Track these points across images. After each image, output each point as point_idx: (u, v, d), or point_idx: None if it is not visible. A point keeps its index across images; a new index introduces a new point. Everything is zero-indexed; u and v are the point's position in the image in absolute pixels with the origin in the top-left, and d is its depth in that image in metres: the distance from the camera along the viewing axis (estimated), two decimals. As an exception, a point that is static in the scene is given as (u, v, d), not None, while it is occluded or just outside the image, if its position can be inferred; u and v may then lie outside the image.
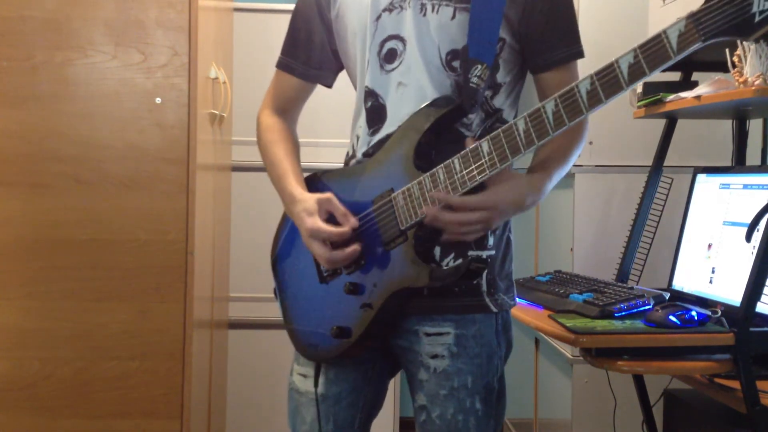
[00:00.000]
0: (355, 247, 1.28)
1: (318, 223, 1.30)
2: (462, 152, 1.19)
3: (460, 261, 1.27)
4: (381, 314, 1.28)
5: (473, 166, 1.18)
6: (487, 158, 1.17)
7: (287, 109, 1.52)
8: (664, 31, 1.02)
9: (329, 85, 1.52)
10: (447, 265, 1.29)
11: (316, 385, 1.38)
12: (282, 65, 1.50)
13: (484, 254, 1.32)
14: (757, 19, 0.96)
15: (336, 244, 1.31)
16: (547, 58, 1.32)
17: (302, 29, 1.47)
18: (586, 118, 1.32)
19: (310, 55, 1.47)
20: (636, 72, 1.05)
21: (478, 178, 1.18)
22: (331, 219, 1.31)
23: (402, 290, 1.26)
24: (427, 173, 1.23)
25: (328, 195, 1.32)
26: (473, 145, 1.19)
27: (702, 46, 1.01)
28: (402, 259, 1.26)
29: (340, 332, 1.31)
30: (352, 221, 1.29)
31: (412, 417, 1.39)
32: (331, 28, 1.44)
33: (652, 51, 1.03)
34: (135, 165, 2.16)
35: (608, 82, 1.07)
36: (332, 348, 1.34)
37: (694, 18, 1.00)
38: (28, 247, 2.15)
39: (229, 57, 2.79)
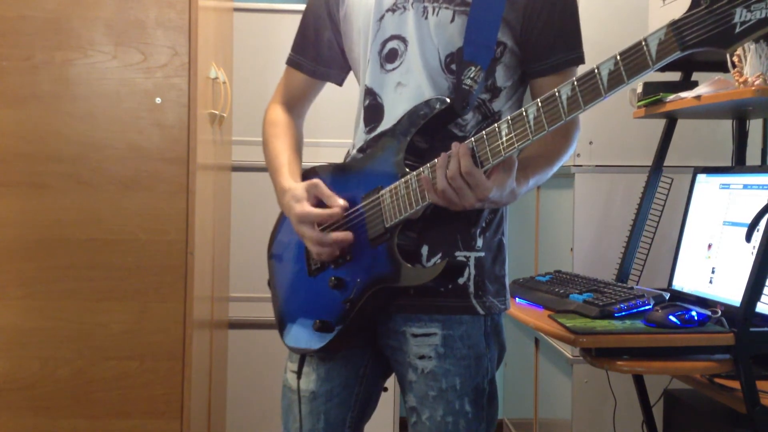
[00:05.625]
0: (346, 234, 1.29)
1: (306, 207, 1.31)
2: (447, 152, 1.19)
3: (440, 262, 1.27)
4: (362, 311, 1.30)
5: None
6: (479, 159, 1.17)
7: (294, 105, 1.53)
8: (645, 39, 1.01)
9: (339, 84, 1.54)
10: (433, 265, 1.29)
11: (298, 377, 1.39)
12: (291, 62, 1.52)
13: (473, 255, 1.31)
14: (737, 30, 0.94)
15: (323, 230, 1.32)
16: (543, 64, 1.32)
17: (312, 27, 1.49)
18: (576, 125, 1.33)
19: (318, 52, 1.49)
20: (615, 80, 1.04)
21: None
22: (321, 206, 1.33)
23: (383, 288, 1.27)
24: (414, 172, 1.23)
25: (314, 181, 1.33)
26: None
27: (681, 56, 0.99)
28: (385, 257, 1.27)
29: (322, 326, 1.33)
30: (341, 202, 1.30)
31: (411, 417, 1.39)
32: (339, 28, 1.45)
33: (632, 59, 1.02)
34: (135, 165, 2.16)
35: (588, 88, 1.06)
36: (314, 341, 1.35)
37: (674, 26, 0.98)
38: (28, 247, 2.15)
39: (229, 57, 2.79)
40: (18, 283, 2.16)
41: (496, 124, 1.15)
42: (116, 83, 2.16)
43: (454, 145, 1.17)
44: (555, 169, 1.33)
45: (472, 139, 1.17)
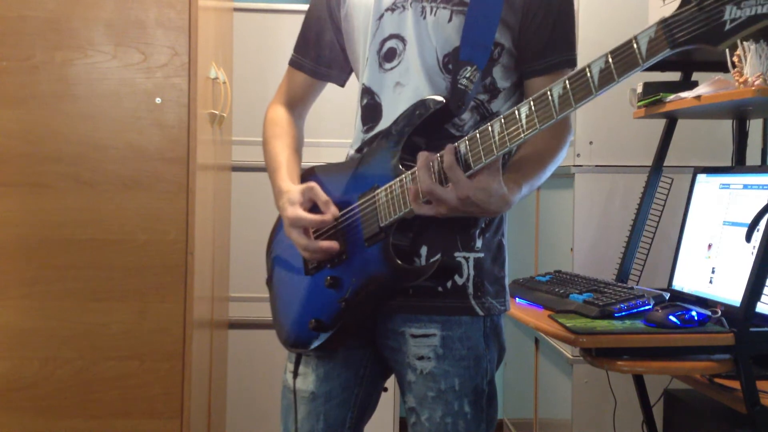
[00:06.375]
0: (332, 243, 1.30)
1: (299, 211, 1.31)
2: (440, 152, 1.19)
3: (432, 261, 1.27)
4: (357, 310, 1.30)
5: None
6: (462, 159, 1.17)
7: (296, 105, 1.54)
8: (635, 37, 1.00)
9: (341, 85, 1.54)
10: (427, 264, 1.29)
11: (294, 377, 1.39)
12: (293, 62, 1.52)
13: (472, 256, 1.31)
14: (727, 27, 0.93)
15: (319, 234, 1.32)
16: (537, 64, 1.32)
17: (313, 28, 1.49)
18: (568, 127, 1.33)
19: (320, 53, 1.49)
20: (605, 78, 1.03)
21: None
22: (315, 210, 1.33)
23: (379, 288, 1.27)
24: (409, 172, 1.23)
25: (311, 184, 1.33)
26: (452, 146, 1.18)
27: (671, 53, 0.98)
28: (379, 257, 1.26)
29: (317, 325, 1.33)
30: (333, 210, 1.30)
31: (412, 417, 1.39)
32: (340, 28, 1.45)
33: (622, 57, 1.01)
34: (135, 165, 2.16)
35: (579, 86, 1.05)
36: (310, 340, 1.35)
37: (664, 24, 0.98)
38: (28, 247, 2.15)
39: (229, 57, 2.79)
40: (18, 283, 2.16)
41: (489, 123, 1.15)
42: (116, 83, 2.16)
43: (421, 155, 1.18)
44: (549, 172, 1.32)
45: (466, 138, 1.17)
